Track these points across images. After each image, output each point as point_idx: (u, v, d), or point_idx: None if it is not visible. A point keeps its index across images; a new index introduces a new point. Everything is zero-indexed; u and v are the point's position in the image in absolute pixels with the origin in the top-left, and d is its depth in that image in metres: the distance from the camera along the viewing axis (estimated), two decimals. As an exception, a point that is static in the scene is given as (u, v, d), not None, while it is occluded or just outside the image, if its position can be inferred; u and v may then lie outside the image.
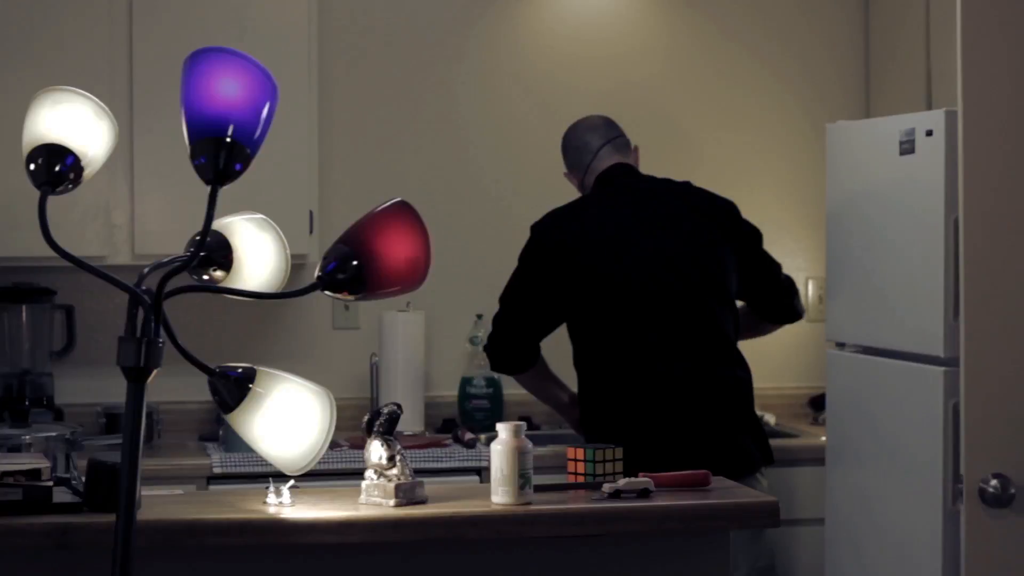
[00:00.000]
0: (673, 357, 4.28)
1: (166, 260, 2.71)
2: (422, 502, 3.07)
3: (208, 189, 2.57)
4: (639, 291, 4.30)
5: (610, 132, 4.55)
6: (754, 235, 4.50)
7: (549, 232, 4.43)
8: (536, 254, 4.44)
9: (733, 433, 4.30)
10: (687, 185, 4.50)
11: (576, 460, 3.31)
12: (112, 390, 4.14)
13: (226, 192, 2.59)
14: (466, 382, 5.20)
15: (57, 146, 2.65)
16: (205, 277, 2.85)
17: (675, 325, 4.29)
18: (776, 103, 5.50)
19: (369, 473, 3.09)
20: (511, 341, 4.52)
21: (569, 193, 4.64)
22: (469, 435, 4.83)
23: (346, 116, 5.22)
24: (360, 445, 3.33)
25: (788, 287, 4.62)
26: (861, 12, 5.54)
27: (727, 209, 4.46)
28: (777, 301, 4.61)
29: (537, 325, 4.48)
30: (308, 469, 2.75)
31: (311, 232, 4.85)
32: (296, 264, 3.20)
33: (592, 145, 4.52)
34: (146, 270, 2.69)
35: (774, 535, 4.62)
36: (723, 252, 4.38)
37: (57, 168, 2.65)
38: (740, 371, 4.38)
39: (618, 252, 4.33)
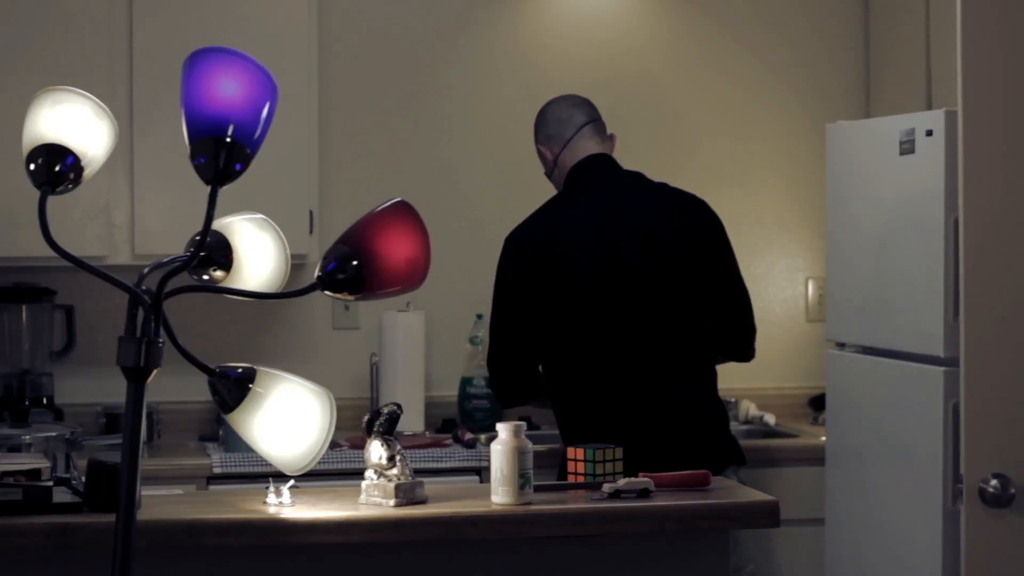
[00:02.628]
0: (640, 370, 4.17)
1: (166, 260, 2.71)
2: (422, 502, 3.07)
3: (208, 189, 2.57)
4: (615, 296, 4.18)
5: (592, 112, 4.43)
6: (726, 249, 4.29)
7: (524, 235, 4.29)
8: (513, 264, 4.28)
9: (690, 445, 4.15)
10: (664, 186, 4.35)
11: (576, 460, 3.31)
12: (112, 390, 4.14)
13: (226, 192, 2.59)
14: (466, 382, 5.19)
15: (57, 146, 2.65)
16: (205, 277, 2.85)
17: (646, 334, 4.18)
18: (776, 103, 5.50)
19: (369, 473, 3.09)
20: (515, 369, 4.32)
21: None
22: (469, 435, 4.83)
23: (346, 116, 5.21)
24: (360, 445, 3.34)
25: (748, 321, 4.34)
26: (861, 12, 5.54)
27: (705, 213, 4.30)
28: (732, 325, 4.32)
29: (536, 341, 4.27)
30: (308, 469, 2.75)
31: (311, 232, 4.85)
32: (296, 264, 3.20)
33: (576, 120, 4.38)
34: (146, 270, 2.69)
35: (760, 538, 4.63)
36: (698, 259, 4.23)
37: (57, 168, 2.65)
38: (699, 384, 4.23)
39: (596, 251, 4.20)
